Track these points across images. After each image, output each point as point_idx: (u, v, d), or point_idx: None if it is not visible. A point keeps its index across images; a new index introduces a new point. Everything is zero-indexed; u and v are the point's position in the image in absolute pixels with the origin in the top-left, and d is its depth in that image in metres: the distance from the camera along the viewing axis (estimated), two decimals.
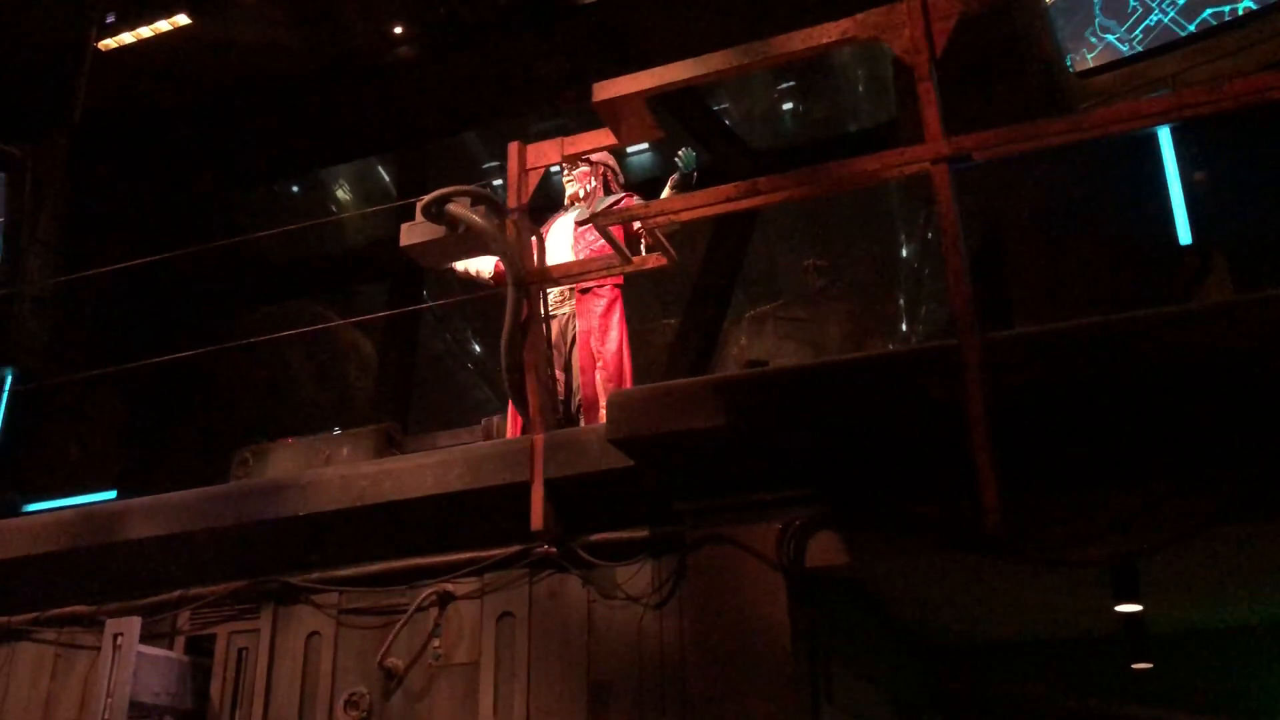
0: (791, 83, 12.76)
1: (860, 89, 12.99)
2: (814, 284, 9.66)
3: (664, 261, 4.42)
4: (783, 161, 9.58)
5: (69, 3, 9.85)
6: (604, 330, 5.26)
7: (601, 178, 5.64)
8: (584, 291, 5.32)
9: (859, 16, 3.74)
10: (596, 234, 5.39)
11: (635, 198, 5.43)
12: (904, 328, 12.48)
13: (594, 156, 5.43)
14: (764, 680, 3.51)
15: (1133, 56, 6.43)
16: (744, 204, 3.81)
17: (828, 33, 3.79)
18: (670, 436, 3.63)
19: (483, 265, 5.54)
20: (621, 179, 5.81)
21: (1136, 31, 6.44)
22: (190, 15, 9.81)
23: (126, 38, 10.16)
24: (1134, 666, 4.68)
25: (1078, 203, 5.92)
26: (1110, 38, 6.51)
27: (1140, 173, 5.75)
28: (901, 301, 12.67)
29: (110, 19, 10.13)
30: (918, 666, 5.25)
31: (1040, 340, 3.34)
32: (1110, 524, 3.30)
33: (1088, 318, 3.31)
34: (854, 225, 12.13)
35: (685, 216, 3.94)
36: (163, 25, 9.99)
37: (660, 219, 4.00)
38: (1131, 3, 6.45)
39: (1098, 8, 6.60)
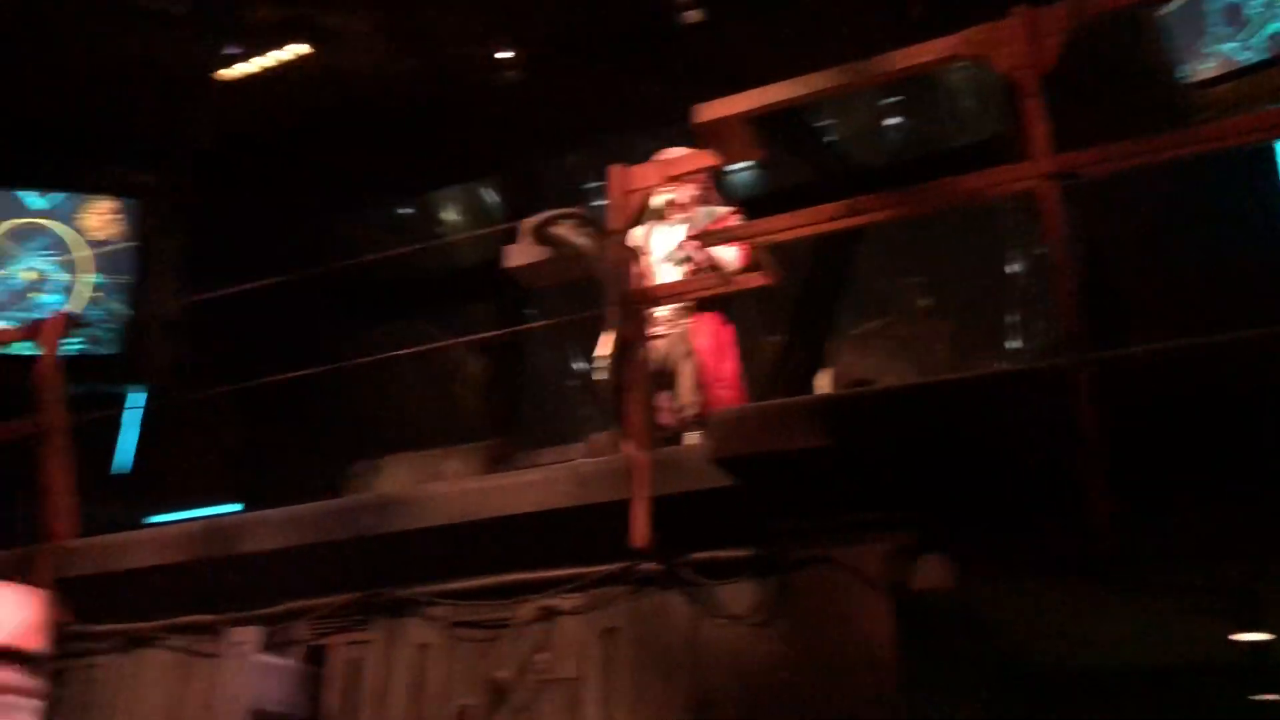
0: (895, 98, 12.63)
1: (966, 103, 12.79)
2: (920, 301, 9.54)
3: (767, 279, 4.44)
4: (886, 178, 9.51)
5: (194, 35, 10.32)
6: (719, 350, 5.28)
7: (702, 192, 5.66)
8: (695, 310, 5.34)
9: (964, 34, 3.72)
10: (700, 246, 5.42)
11: (739, 215, 5.44)
12: (1013, 345, 12.22)
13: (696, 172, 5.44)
14: (868, 702, 3.49)
15: (1252, 66, 6.24)
16: (848, 223, 3.81)
17: (931, 51, 3.77)
18: (773, 456, 3.64)
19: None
20: (717, 194, 5.79)
21: (1255, 40, 6.24)
22: (307, 44, 10.19)
23: (247, 67, 10.60)
24: (1255, 698, 4.51)
25: (1191, 218, 5.76)
26: (1227, 47, 6.32)
27: (1255, 187, 5.58)
28: (1010, 319, 12.42)
29: (232, 50, 10.58)
30: (1024, 693, 5.14)
31: (1155, 359, 3.27)
32: (1230, 549, 3.21)
33: (1202, 336, 3.23)
34: (961, 241, 11.92)
35: (788, 235, 3.96)
36: (281, 55, 10.40)
37: (763, 238, 4.03)
38: (1250, 11, 6.26)
39: (1214, 17, 6.42)
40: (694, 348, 5.27)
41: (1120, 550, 3.13)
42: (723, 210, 5.51)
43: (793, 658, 3.72)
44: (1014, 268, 12.51)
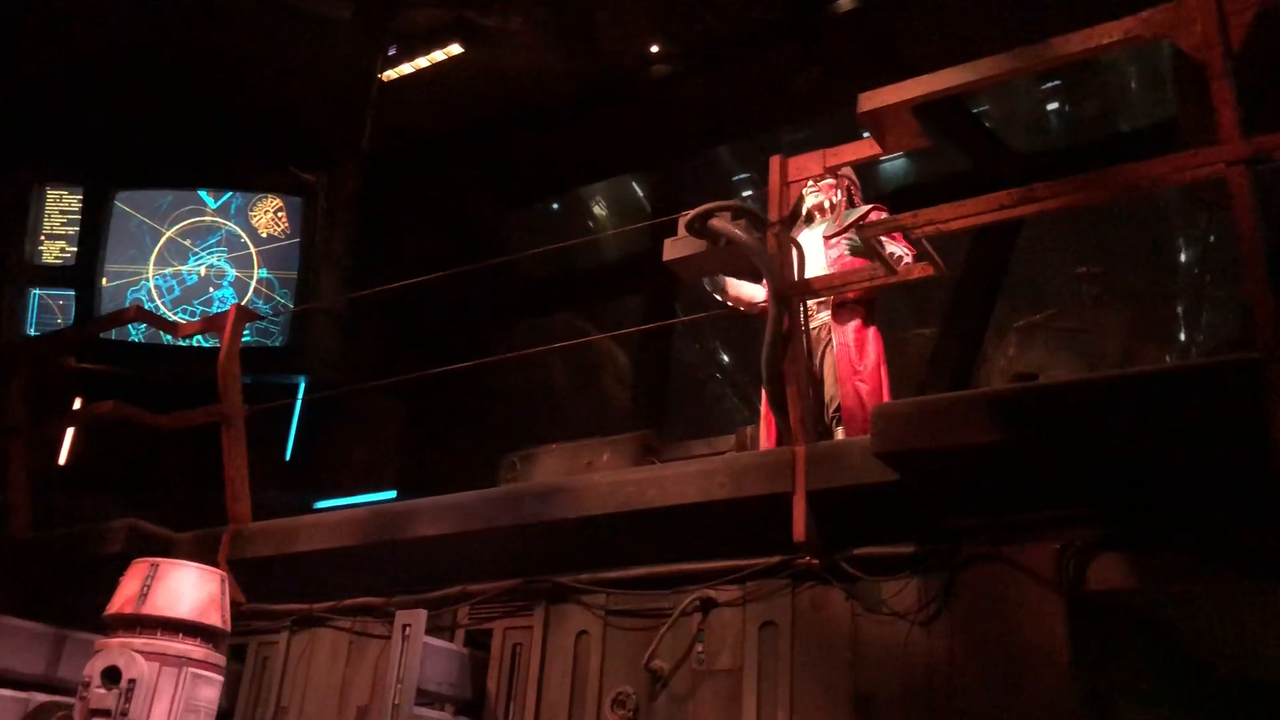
0: (1057, 82, 12.19)
1: (1133, 85, 12.27)
2: (1087, 292, 9.18)
3: (930, 271, 4.33)
4: (1050, 165, 9.19)
5: (356, 37, 10.70)
6: (860, 344, 5.22)
7: (845, 190, 5.60)
8: (840, 305, 5.28)
9: (1144, 14, 3.55)
10: (842, 248, 5.36)
11: (884, 210, 5.35)
12: (1183, 337, 11.67)
13: (839, 170, 5.38)
14: (1039, 708, 3.38)
15: None
16: (1019, 211, 3.69)
17: (1109, 32, 3.61)
18: (939, 451, 3.56)
19: (755, 293, 5.53)
20: (860, 192, 5.73)
21: None
22: (463, 45, 10.45)
23: (406, 68, 10.94)
24: None
25: None
26: None
27: None
28: (1180, 310, 11.86)
29: (392, 51, 10.93)
30: (1217, 704, 4.89)
31: None
32: None
33: None
34: (1128, 229, 11.45)
35: (956, 225, 3.85)
36: (438, 55, 10.70)
37: (928, 228, 3.93)
38: None
39: None
40: (836, 341, 5.21)
41: None
42: (864, 209, 5.42)
43: (959, 658, 3.63)
44: (1186, 257, 11.95)
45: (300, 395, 11.11)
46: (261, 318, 6.89)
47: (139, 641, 4.30)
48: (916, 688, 3.74)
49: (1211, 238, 11.42)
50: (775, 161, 4.53)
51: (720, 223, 4.53)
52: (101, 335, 11.04)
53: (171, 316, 11.20)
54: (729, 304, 5.61)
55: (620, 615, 4.53)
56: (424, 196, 11.83)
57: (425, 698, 4.47)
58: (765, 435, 5.32)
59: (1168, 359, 11.18)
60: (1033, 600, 3.48)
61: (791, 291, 4.38)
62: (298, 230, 11.60)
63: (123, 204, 11.76)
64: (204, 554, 5.42)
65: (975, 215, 3.74)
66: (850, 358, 5.19)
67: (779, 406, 4.40)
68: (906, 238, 4.13)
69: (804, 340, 4.93)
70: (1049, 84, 12.16)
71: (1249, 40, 3.45)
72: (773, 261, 4.39)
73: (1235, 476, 3.19)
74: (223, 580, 4.69)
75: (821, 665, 3.97)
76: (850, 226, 5.34)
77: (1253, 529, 3.11)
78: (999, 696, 3.46)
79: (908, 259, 4.71)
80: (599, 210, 14.61)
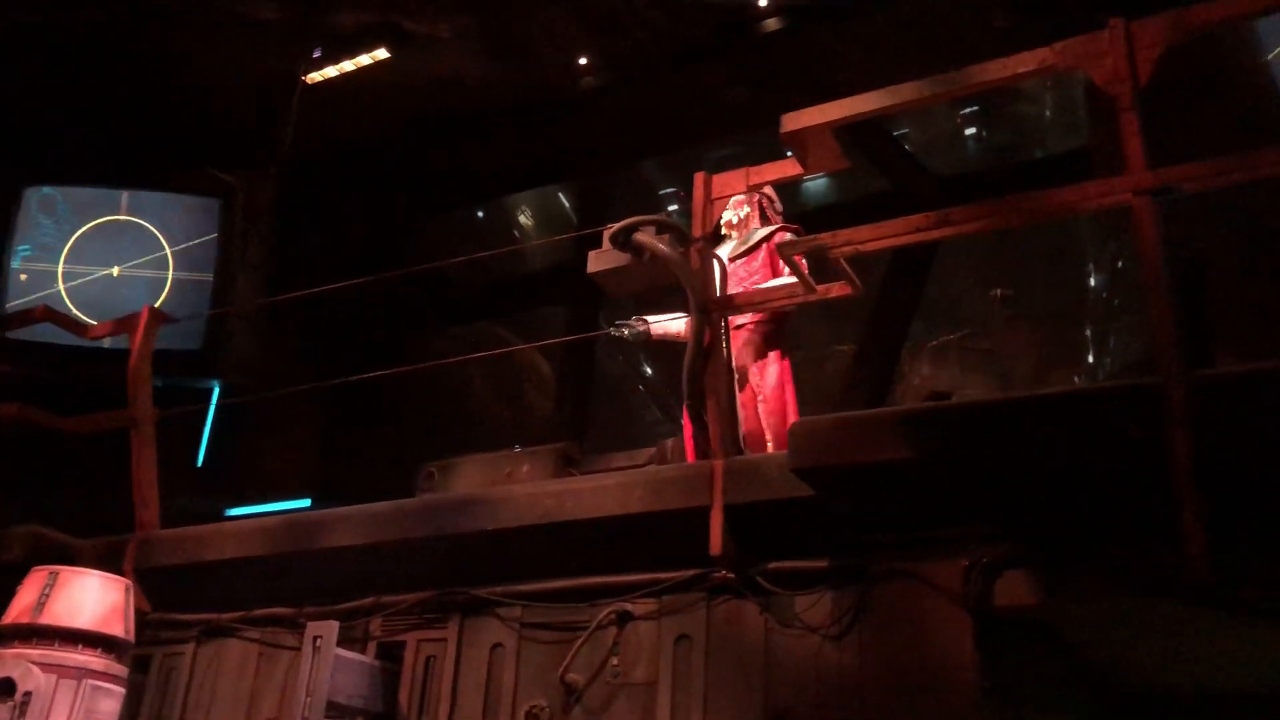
0: (974, 107, 12.50)
1: (1047, 113, 12.62)
2: (999, 314, 9.42)
3: (848, 290, 4.40)
4: (966, 188, 9.40)
5: (279, 40, 10.53)
6: (762, 366, 5.26)
7: (757, 206, 5.62)
8: (738, 328, 5.31)
9: (1058, 45, 3.66)
10: (749, 267, 5.41)
11: (789, 230, 5.42)
12: (1091, 359, 12.00)
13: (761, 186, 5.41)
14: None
15: None
16: (935, 234, 3.77)
17: (1025, 62, 3.71)
18: (854, 468, 3.61)
19: (682, 327, 5.53)
20: (779, 207, 5.76)
21: None
22: (390, 50, 10.34)
23: (331, 72, 10.79)
24: None
25: None
26: None
27: None
28: (1089, 332, 12.20)
29: (316, 54, 10.77)
30: (1112, 714, 5.02)
31: (1253, 379, 3.19)
32: None
33: None
34: (1039, 253, 11.76)
35: (872, 246, 3.93)
36: (364, 59, 10.57)
37: (846, 249, 3.99)
38: None
39: None
40: (738, 365, 5.23)
41: (1212, 572, 3.05)
42: (770, 229, 5.47)
43: (869, 672, 3.69)
44: (1095, 281, 12.31)
45: (214, 400, 10.88)
46: (175, 320, 6.72)
47: (36, 653, 4.18)
48: (828, 701, 3.79)
49: (1120, 263, 11.77)
50: (700, 178, 4.58)
51: (644, 237, 4.55)
52: (8, 335, 10.69)
53: (82, 317, 10.88)
54: (659, 343, 5.63)
55: (536, 628, 4.51)
56: (346, 201, 11.68)
57: (335, 710, 4.40)
58: (689, 448, 5.34)
59: (1076, 380, 11.49)
60: (941, 616, 3.55)
61: (713, 307, 4.41)
62: (215, 232, 11.38)
63: (33, 200, 11.42)
64: (109, 562, 5.27)
65: (892, 237, 3.82)
66: (752, 380, 5.23)
67: (699, 421, 4.43)
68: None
69: (725, 355, 4.97)
70: (967, 110, 12.45)
71: (1158, 75, 3.57)
72: (695, 277, 4.42)
73: (1137, 497, 3.29)
74: (127, 589, 4.58)
75: (735, 679, 4.00)
76: (755, 247, 5.40)
77: (1151, 548, 3.20)
78: (908, 710, 3.52)
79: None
80: (524, 220, 14.57)
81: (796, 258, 4.29)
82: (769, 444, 5.18)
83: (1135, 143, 3.48)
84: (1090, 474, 3.41)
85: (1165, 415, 3.15)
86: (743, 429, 5.18)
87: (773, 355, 5.31)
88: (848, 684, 3.75)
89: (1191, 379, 3.19)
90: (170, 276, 11.40)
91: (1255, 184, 3.59)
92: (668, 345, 5.59)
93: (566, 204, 14.50)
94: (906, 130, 12.58)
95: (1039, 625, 4.03)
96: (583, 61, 10.52)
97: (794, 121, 4.03)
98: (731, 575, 4.07)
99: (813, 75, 9.53)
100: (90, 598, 4.39)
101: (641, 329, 5.56)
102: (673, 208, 13.28)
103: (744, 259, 5.48)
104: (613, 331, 5.58)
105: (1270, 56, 6.17)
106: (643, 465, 5.86)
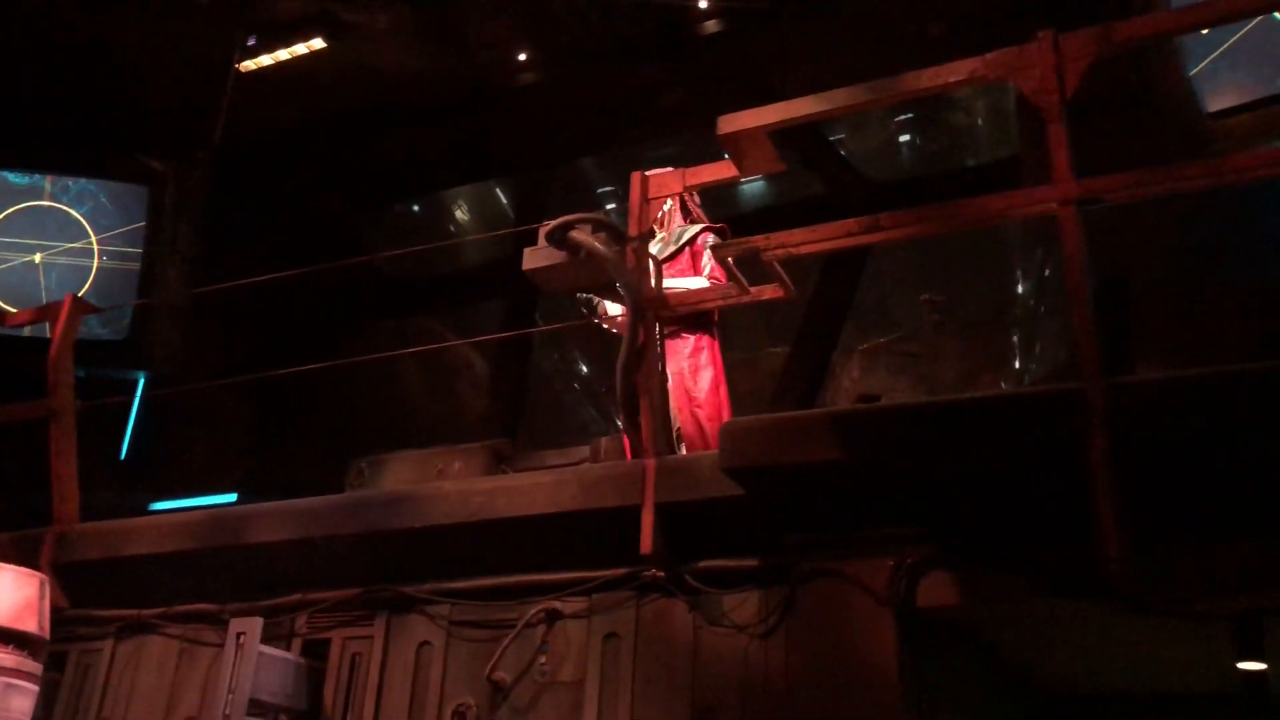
0: (909, 115, 12.67)
1: (980, 122, 12.83)
2: (929, 319, 9.57)
3: (780, 293, 4.45)
4: (900, 194, 9.53)
5: (213, 25, 10.33)
6: (695, 370, 5.27)
7: (678, 199, 5.60)
8: (670, 335, 5.31)
9: (988, 56, 3.73)
10: (675, 268, 5.41)
11: (716, 229, 5.42)
12: (1018, 365, 12.24)
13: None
14: (869, 717, 3.49)
15: (1272, 97, 6.24)
16: (866, 239, 3.82)
17: (955, 72, 3.78)
18: (784, 468, 3.65)
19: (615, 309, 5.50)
20: (698, 199, 5.71)
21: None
22: (326, 39, 10.21)
23: (265, 60, 10.61)
24: None
25: (1210, 246, 5.77)
26: (1248, 77, 6.34)
27: (1276, 216, 5.59)
28: (1016, 339, 12.43)
29: (251, 42, 10.59)
30: (1030, 715, 5.14)
31: (1171, 387, 3.28)
32: (1238, 579, 3.21)
33: (1218, 365, 3.24)
34: (969, 260, 11.96)
35: (805, 250, 3.97)
36: (300, 49, 10.41)
37: (779, 251, 4.03)
38: (1272, 41, 6.27)
39: (1233, 47, 6.44)
40: (672, 370, 5.23)
41: (1129, 576, 3.13)
42: (695, 229, 5.47)
43: (795, 670, 3.73)
44: (1022, 288, 12.54)
45: (139, 392, 10.65)
46: (98, 310, 6.57)
47: None
48: (754, 699, 3.82)
49: (1047, 271, 12.01)
50: (636, 178, 4.58)
51: (580, 234, 4.55)
52: None
53: (2, 305, 10.59)
54: (604, 324, 5.61)
55: (464, 626, 4.48)
56: (278, 192, 11.50)
57: (258, 708, 4.35)
58: (627, 446, 5.33)
59: (1002, 385, 11.71)
60: (866, 615, 3.60)
61: (647, 306, 4.42)
62: (142, 220, 11.13)
63: None
64: (24, 556, 5.13)
65: (825, 240, 3.87)
66: (685, 385, 5.24)
67: (632, 419, 4.44)
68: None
69: (658, 354, 4.98)
70: (902, 117, 12.61)
71: (1085, 87, 3.66)
72: (630, 275, 4.43)
73: (1056, 502, 3.37)
74: (42, 584, 4.46)
75: (663, 676, 4.01)
76: (681, 250, 5.40)
77: (1072, 551, 3.28)
78: (833, 708, 3.56)
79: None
80: (461, 215, 14.45)
81: (727, 257, 4.32)
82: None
83: (1062, 153, 3.56)
84: (1015, 477, 3.48)
85: (1086, 420, 3.22)
86: (682, 433, 5.19)
87: (704, 360, 5.31)
88: (774, 682, 3.79)
89: (1112, 385, 3.26)
90: (95, 265, 11.14)
91: (1177, 196, 3.71)
92: (607, 343, 5.56)
93: (504, 200, 14.42)
94: (842, 136, 12.72)
95: (962, 626, 4.12)
96: (521, 57, 10.48)
97: (730, 124, 4.06)
98: (661, 574, 4.08)
99: (751, 79, 9.60)
100: (2, 593, 4.27)
101: (605, 314, 5.51)
102: (611, 206, 13.27)
103: (670, 261, 5.46)
104: (584, 310, 5.52)
105: (1193, 73, 6.35)
106: (577, 464, 5.88)
